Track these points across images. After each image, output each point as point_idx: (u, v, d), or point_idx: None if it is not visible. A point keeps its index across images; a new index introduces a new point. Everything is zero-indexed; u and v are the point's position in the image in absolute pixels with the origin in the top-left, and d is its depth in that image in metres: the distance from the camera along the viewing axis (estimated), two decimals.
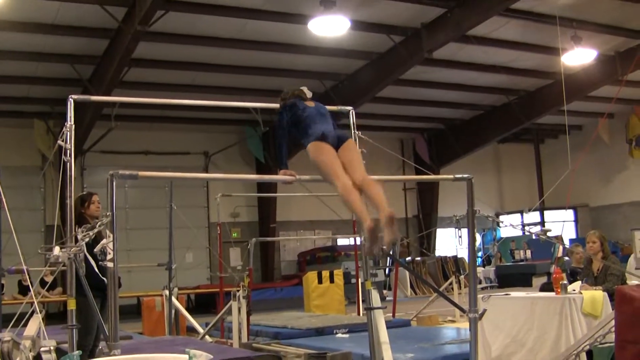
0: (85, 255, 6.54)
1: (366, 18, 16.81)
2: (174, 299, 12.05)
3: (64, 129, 6.26)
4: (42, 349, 5.20)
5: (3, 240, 8.60)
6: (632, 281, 8.99)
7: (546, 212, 29.28)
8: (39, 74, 18.34)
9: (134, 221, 22.15)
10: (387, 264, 23.26)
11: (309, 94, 6.67)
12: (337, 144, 6.16)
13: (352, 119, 7.75)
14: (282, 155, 6.25)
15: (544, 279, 19.70)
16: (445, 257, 26.63)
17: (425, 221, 28.42)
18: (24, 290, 17.77)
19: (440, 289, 14.41)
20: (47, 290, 17.21)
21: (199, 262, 23.00)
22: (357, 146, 6.46)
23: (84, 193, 8.04)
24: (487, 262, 27.37)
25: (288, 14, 16.10)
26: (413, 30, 17.71)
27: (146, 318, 14.47)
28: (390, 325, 8.62)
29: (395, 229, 5.51)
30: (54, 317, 17.99)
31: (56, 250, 5.01)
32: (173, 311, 12.08)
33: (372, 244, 5.53)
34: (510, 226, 7.65)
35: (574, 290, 8.53)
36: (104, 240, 4.98)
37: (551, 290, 8.91)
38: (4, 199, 6.41)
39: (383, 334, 7.27)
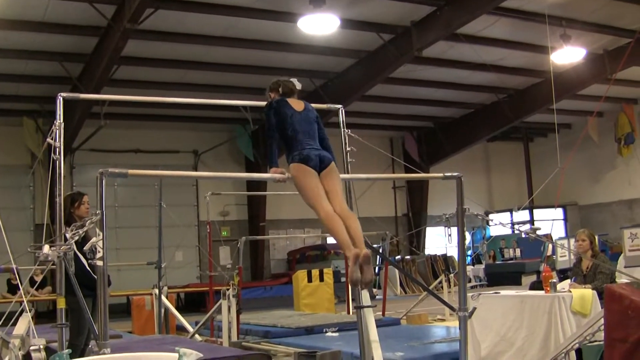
0: (76, 254, 6.52)
1: (356, 16, 16.82)
2: (163, 298, 12.05)
3: (53, 127, 6.24)
4: (31, 347, 5.20)
5: None
6: (621, 279, 9.01)
7: (535, 211, 29.34)
8: (28, 72, 18.27)
9: (123, 220, 22.12)
10: (377, 263, 23.35)
11: (298, 86, 6.63)
12: (320, 167, 6.17)
13: (342, 117, 7.76)
14: (272, 154, 6.24)
15: (533, 278, 19.76)
16: (435, 255, 26.67)
17: (414, 220, 28.44)
18: (12, 289, 17.72)
19: (430, 288, 14.43)
20: (36, 289, 17.16)
21: (189, 260, 22.99)
22: (339, 173, 6.47)
23: (75, 192, 8.01)
24: (476, 260, 27.41)
25: (278, 12, 16.09)
26: (403, 28, 17.72)
27: (136, 317, 14.43)
28: (380, 324, 8.62)
29: (371, 269, 5.68)
30: (43, 316, 17.97)
31: (46, 248, 4.99)
32: (163, 310, 12.07)
33: (354, 273, 5.50)
34: (499, 225, 7.66)
35: (564, 288, 8.54)
36: (94, 239, 4.97)
37: (541, 289, 8.92)
38: None
39: (373, 332, 7.27)
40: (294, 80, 6.64)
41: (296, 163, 6.12)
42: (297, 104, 6.43)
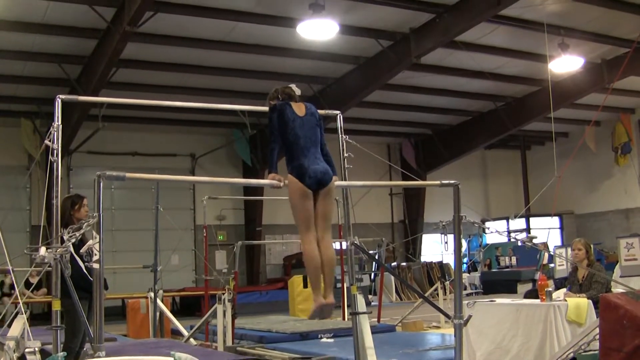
0: (72, 256, 6.51)
1: (355, 22, 16.83)
2: (158, 301, 12.02)
3: (51, 128, 6.24)
4: (26, 349, 5.19)
5: None
6: (616, 289, 9.02)
7: (532, 219, 29.34)
8: (27, 73, 18.27)
9: (120, 222, 22.07)
10: (373, 269, 23.34)
11: (297, 91, 6.61)
12: (318, 186, 6.20)
13: (340, 123, 7.77)
14: (272, 159, 6.25)
15: (529, 286, 19.75)
16: (431, 262, 26.65)
17: (411, 226, 28.41)
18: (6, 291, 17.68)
19: (426, 295, 14.43)
20: (32, 291, 17.12)
21: (185, 264, 22.94)
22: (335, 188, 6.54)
23: (74, 195, 8.01)
24: (472, 268, 27.41)
25: (277, 17, 16.11)
26: (401, 35, 17.73)
27: (131, 320, 14.42)
28: (375, 330, 8.61)
29: (331, 310, 6.35)
30: (38, 318, 17.92)
31: (42, 250, 4.99)
32: (158, 313, 12.05)
33: (314, 315, 6.27)
34: (496, 232, 7.66)
35: (559, 297, 8.55)
36: (91, 241, 4.98)
37: (535, 297, 8.93)
38: None
39: (368, 339, 7.26)
40: (292, 86, 6.63)
41: (294, 177, 6.15)
42: (299, 109, 6.41)
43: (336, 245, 13.11)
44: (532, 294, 10.52)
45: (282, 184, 6.14)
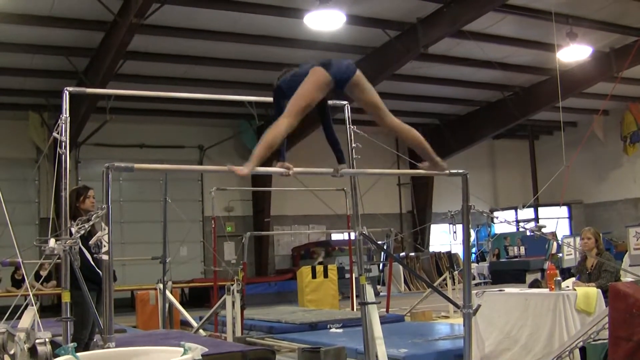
0: (80, 248, 6.52)
1: (362, 12, 16.80)
2: (168, 293, 12.05)
3: (59, 121, 6.25)
4: (37, 340, 5.20)
5: None
6: (626, 278, 9.01)
7: (540, 209, 29.31)
8: (34, 66, 18.28)
9: (129, 214, 22.12)
10: (382, 259, 23.34)
11: None
12: (342, 75, 5.78)
13: (347, 113, 7.76)
14: (281, 147, 5.95)
15: (537, 276, 19.74)
16: (440, 252, 26.67)
17: (419, 217, 28.42)
18: (17, 283, 17.74)
19: (434, 285, 14.43)
20: (41, 283, 17.17)
21: (193, 256, 22.99)
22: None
23: (80, 187, 8.01)
24: (481, 258, 27.39)
25: (284, 8, 16.08)
26: (409, 25, 17.69)
27: (140, 311, 14.45)
28: (384, 320, 8.61)
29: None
30: (48, 309, 17.99)
31: (51, 242, 5.00)
32: (167, 305, 12.08)
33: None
34: (504, 222, 7.64)
35: (568, 286, 8.54)
36: (99, 233, 4.99)
37: (540, 287, 8.92)
38: None
39: (377, 329, 7.27)
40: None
41: (316, 67, 5.67)
42: None
43: (344, 236, 13.15)
44: (534, 284, 10.53)
45: (291, 171, 5.95)
